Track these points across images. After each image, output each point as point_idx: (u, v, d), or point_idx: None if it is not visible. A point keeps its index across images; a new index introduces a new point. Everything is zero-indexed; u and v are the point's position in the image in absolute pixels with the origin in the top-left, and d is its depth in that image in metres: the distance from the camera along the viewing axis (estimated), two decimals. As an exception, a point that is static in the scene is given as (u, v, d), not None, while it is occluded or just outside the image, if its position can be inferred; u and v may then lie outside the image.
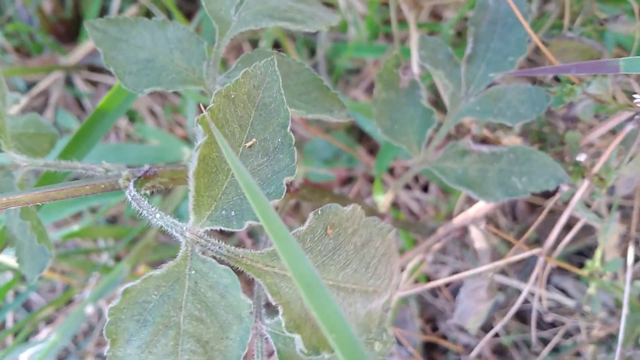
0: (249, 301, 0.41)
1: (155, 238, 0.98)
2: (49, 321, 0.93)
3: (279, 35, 0.96)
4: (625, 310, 0.58)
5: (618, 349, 0.60)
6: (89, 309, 0.87)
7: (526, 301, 0.87)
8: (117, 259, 1.01)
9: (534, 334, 0.68)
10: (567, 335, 0.85)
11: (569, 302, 0.78)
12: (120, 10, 1.12)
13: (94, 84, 1.12)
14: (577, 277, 0.86)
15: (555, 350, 0.85)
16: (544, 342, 0.88)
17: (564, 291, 0.88)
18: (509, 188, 0.59)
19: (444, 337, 0.94)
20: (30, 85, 1.11)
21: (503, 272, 0.81)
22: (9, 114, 0.52)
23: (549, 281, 0.84)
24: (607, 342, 0.86)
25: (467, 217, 0.73)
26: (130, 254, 0.91)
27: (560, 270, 0.86)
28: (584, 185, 0.58)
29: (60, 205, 0.90)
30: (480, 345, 0.72)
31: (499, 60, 0.62)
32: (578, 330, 0.83)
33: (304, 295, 0.30)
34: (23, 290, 0.92)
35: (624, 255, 0.64)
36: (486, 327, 0.88)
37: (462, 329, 0.89)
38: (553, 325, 0.89)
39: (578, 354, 0.83)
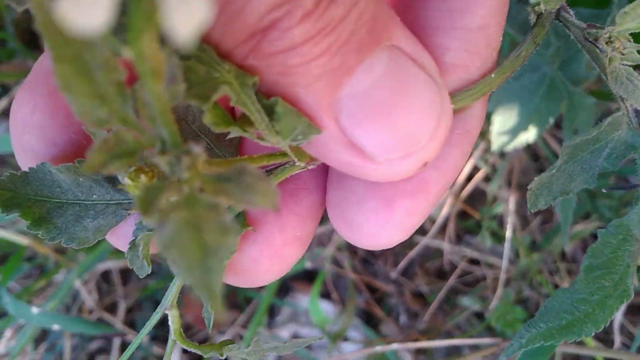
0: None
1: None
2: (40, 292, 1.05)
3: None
4: (507, 247, 0.79)
5: (501, 280, 0.81)
6: (77, 282, 0.99)
7: (450, 263, 1.08)
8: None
9: (446, 253, 0.87)
10: (478, 281, 1.06)
11: (476, 254, 0.99)
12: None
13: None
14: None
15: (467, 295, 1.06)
16: (457, 291, 1.09)
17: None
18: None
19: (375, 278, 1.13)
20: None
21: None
22: None
23: (461, 240, 1.05)
24: (512, 285, 1.08)
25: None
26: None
27: (470, 233, 1.07)
28: (481, 145, 0.78)
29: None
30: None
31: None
32: (484, 278, 1.04)
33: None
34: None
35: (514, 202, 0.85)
36: (408, 276, 1.08)
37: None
38: (471, 275, 1.10)
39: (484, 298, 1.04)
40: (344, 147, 0.23)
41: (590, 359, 0.97)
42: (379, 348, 0.76)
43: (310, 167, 0.27)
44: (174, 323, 0.27)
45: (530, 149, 1.05)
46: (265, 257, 0.28)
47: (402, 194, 0.26)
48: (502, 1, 0.26)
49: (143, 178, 0.21)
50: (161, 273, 1.23)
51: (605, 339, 1.04)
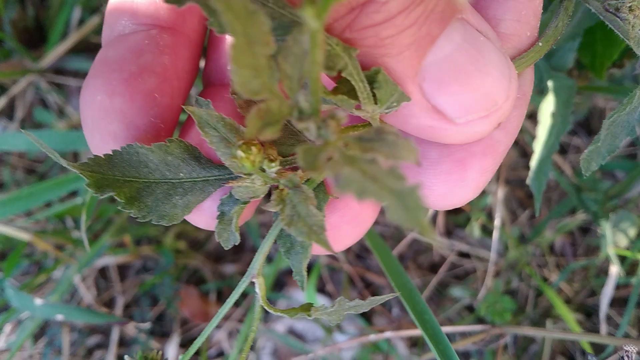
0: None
1: (127, 219, 1.13)
2: (39, 289, 1.06)
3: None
4: (495, 237, 0.82)
5: (489, 271, 0.83)
6: (76, 278, 1.00)
7: (440, 256, 1.11)
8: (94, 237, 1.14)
9: (437, 239, 0.90)
10: (469, 274, 1.09)
11: (466, 247, 1.02)
12: (82, 21, 1.25)
13: (59, 86, 1.25)
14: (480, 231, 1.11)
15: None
16: (447, 284, 1.11)
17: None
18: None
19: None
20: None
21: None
22: None
23: (452, 234, 1.08)
24: (501, 276, 1.11)
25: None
26: (108, 230, 1.06)
27: (460, 227, 1.10)
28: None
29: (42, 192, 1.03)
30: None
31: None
32: (475, 270, 1.07)
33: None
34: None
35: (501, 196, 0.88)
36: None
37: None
38: (462, 268, 1.13)
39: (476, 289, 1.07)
40: (426, 111, 0.25)
41: (577, 345, 1.00)
42: (372, 337, 0.78)
43: None
44: (260, 290, 0.29)
45: (518, 145, 1.08)
46: (346, 222, 0.30)
47: (473, 154, 0.28)
48: None
49: (254, 150, 0.23)
50: (158, 269, 1.25)
51: (592, 329, 1.07)
